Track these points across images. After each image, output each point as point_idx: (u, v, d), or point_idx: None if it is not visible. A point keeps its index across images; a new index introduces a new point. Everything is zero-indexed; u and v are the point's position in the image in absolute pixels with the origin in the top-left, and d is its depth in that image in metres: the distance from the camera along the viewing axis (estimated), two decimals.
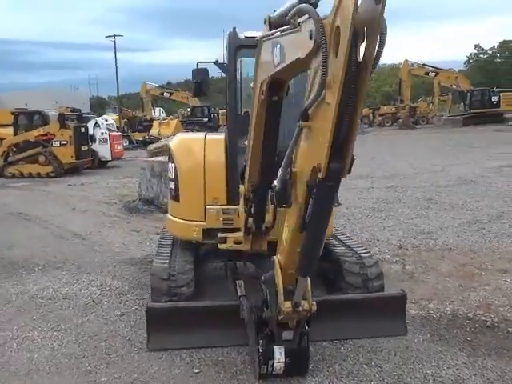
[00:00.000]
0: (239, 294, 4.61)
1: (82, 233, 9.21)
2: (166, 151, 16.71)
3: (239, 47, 5.29)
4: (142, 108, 39.70)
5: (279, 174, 3.03)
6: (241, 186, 5.08)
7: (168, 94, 39.58)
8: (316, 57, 2.43)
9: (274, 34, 3.53)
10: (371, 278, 5.22)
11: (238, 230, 5.38)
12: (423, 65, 37.12)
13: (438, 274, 6.35)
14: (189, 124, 35.67)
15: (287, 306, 3.42)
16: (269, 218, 4.94)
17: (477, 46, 68.99)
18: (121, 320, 5.20)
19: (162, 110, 50.94)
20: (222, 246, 5.35)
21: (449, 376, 3.98)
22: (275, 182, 3.13)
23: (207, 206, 5.44)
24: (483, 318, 5.02)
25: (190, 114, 39.86)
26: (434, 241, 8.15)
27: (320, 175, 2.47)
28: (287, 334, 3.71)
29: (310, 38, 2.39)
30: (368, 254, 5.51)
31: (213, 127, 35.34)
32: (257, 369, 3.88)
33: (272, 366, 3.82)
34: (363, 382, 3.93)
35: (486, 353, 4.35)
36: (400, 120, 40.32)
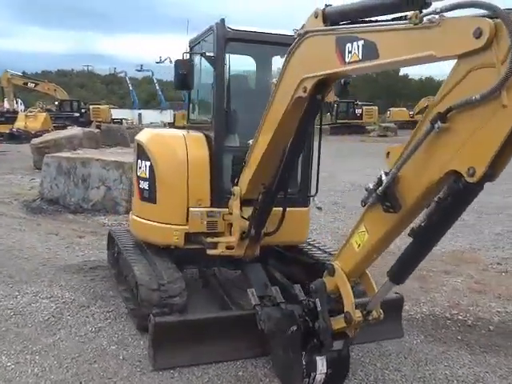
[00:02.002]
0: (254, 302, 4.33)
1: None
2: (54, 146, 15.44)
3: (228, 40, 5.01)
4: (2, 98, 36.01)
5: (382, 176, 2.87)
6: (236, 188, 4.81)
7: (33, 85, 36.34)
8: (476, 56, 2.33)
9: (334, 29, 3.35)
10: (357, 282, 5.25)
11: (221, 234, 5.09)
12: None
13: None
14: (58, 118, 33.18)
15: (358, 315, 3.29)
16: (274, 222, 4.76)
17: None
18: (100, 336, 4.60)
19: (20, 101, 46.83)
20: (211, 252, 5.01)
21: (466, 375, 4.16)
22: (370, 184, 2.97)
23: (190, 209, 5.04)
24: (460, 317, 5.33)
25: (58, 107, 37.04)
26: None
27: (471, 179, 2.38)
28: (338, 344, 3.56)
29: (477, 37, 2.29)
30: None
31: (85, 122, 33.34)
32: (297, 382, 3.67)
33: (314, 378, 3.65)
34: (407, 382, 3.95)
35: (483, 350, 4.62)
36: None
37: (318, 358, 3.60)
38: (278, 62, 5.86)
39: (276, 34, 5.20)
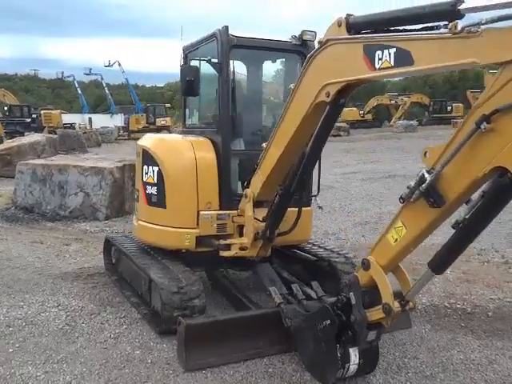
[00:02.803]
0: (278, 300, 4.47)
1: None
2: (17, 154, 14.96)
3: (232, 47, 5.13)
4: None
5: (424, 174, 3.06)
6: (248, 190, 4.93)
7: None
8: None
9: (360, 37, 3.54)
10: None
11: (230, 236, 5.20)
12: None
13: None
14: (9, 124, 32.06)
15: (396, 305, 3.48)
16: (289, 221, 4.90)
17: None
18: (121, 342, 4.60)
19: None
20: (225, 254, 5.10)
21: (480, 358, 4.44)
22: (411, 182, 3.17)
23: (200, 212, 5.13)
24: (458, 306, 5.65)
25: (7, 113, 35.76)
26: (345, 241, 8.80)
27: None
28: (371, 335, 3.76)
29: None
30: (351, 255, 5.78)
31: (37, 128, 32.38)
32: (332, 373, 3.84)
33: (348, 368, 3.83)
34: (418, 373, 4.16)
35: (488, 335, 4.93)
36: None
37: (351, 350, 3.79)
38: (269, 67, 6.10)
39: (277, 40, 5.38)
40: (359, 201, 12.72)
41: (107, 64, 47.95)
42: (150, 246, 5.68)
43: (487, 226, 3.08)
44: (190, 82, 5.09)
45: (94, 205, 9.85)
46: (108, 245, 6.55)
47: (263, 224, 4.89)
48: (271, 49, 5.46)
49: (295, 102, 4.22)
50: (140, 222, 5.59)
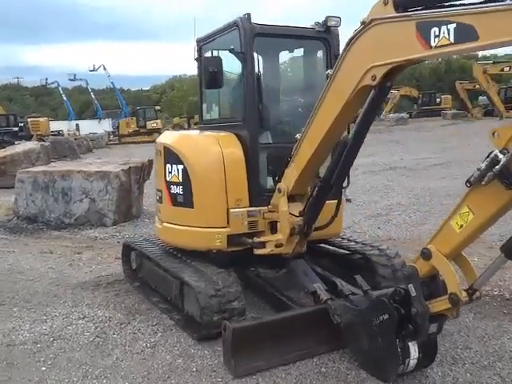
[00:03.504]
0: (324, 297, 4.26)
1: None
2: (11, 162, 14.60)
3: (256, 35, 4.91)
4: None
5: (498, 155, 2.87)
6: (282, 185, 4.72)
7: None
8: None
9: (412, 14, 3.34)
10: (398, 268, 5.29)
11: (261, 233, 4.99)
12: None
13: None
14: None
15: (464, 295, 3.30)
16: (324, 215, 4.70)
17: None
18: (159, 351, 4.38)
19: None
20: (260, 252, 4.90)
21: None
22: (482, 165, 2.98)
23: (230, 210, 4.90)
24: (496, 292, 5.51)
25: None
26: (363, 234, 8.62)
27: None
28: (433, 327, 3.57)
29: None
30: (384, 247, 5.59)
31: (26, 137, 31.85)
32: (394, 370, 3.65)
33: (408, 364, 3.65)
34: (475, 364, 4.01)
35: None
36: None
37: (410, 344, 3.60)
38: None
39: (300, 27, 5.17)
40: (366, 194, 12.56)
41: (92, 68, 47.37)
42: (176, 249, 5.46)
43: None
44: (213, 74, 4.84)
45: (100, 210, 9.56)
46: (127, 250, 6.31)
47: (299, 219, 4.69)
48: (294, 36, 5.25)
49: (334, 89, 4.01)
50: (165, 224, 5.35)
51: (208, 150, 5.03)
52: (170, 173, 5.19)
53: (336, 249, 5.71)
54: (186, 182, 5.01)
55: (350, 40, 3.79)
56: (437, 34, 3.13)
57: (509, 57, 42.98)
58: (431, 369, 3.86)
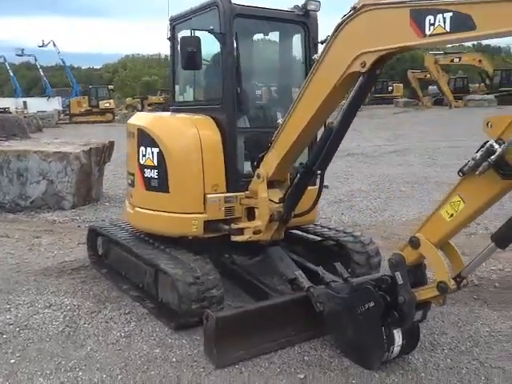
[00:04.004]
0: (306, 285, 4.22)
1: None
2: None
3: (236, 16, 4.76)
4: None
5: (494, 145, 2.87)
6: (261, 170, 4.63)
7: None
8: None
9: (406, 1, 3.28)
10: (372, 255, 5.32)
11: (238, 219, 4.89)
12: None
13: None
14: None
15: (452, 283, 3.33)
16: (308, 201, 4.65)
17: None
18: (135, 341, 4.22)
19: None
20: (237, 239, 4.79)
21: (505, 329, 4.45)
22: (477, 154, 2.97)
23: (207, 195, 4.77)
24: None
25: None
26: (329, 220, 8.66)
27: None
28: (418, 315, 3.60)
29: None
30: (358, 233, 5.60)
31: None
32: (378, 357, 3.67)
33: (392, 351, 3.67)
34: (454, 349, 4.09)
35: (503, 306, 4.93)
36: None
37: (394, 331, 3.62)
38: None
39: (280, 10, 5.05)
40: (327, 179, 12.59)
41: (41, 44, 45.42)
42: (147, 234, 5.30)
43: None
44: (191, 54, 4.65)
45: (58, 193, 9.17)
46: (93, 235, 6.07)
47: (278, 205, 4.62)
48: (274, 19, 5.12)
49: (321, 74, 3.93)
50: (137, 208, 5.16)
51: (185, 133, 4.86)
52: (144, 156, 4.99)
53: (309, 235, 5.68)
54: (162, 165, 4.83)
55: (339, 25, 3.71)
56: (432, 22, 3.09)
57: (460, 48, 44.28)
58: (412, 355, 3.90)
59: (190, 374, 3.73)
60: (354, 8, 3.59)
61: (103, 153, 9.59)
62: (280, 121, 4.44)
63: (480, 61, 38.83)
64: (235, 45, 4.84)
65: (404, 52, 3.54)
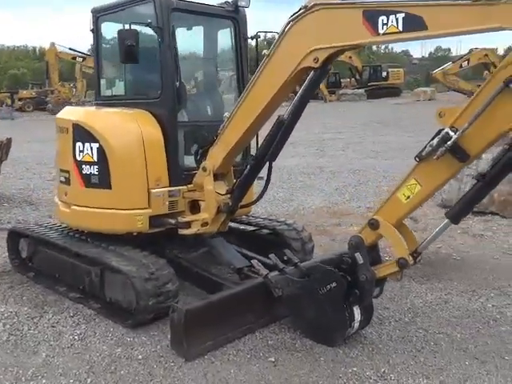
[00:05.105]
0: (263, 272, 4.34)
1: None
2: None
3: (172, 10, 4.76)
4: None
5: (449, 132, 3.22)
6: (207, 163, 4.68)
7: None
8: None
9: (357, 2, 3.55)
10: (306, 241, 5.62)
11: (181, 213, 4.91)
12: (70, 49, 36.26)
13: None
14: None
15: (411, 259, 3.67)
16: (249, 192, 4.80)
17: None
18: (92, 343, 4.07)
19: None
20: (185, 232, 4.80)
21: (436, 299, 4.96)
22: (434, 141, 3.31)
23: (151, 190, 4.73)
24: (387, 258, 6.12)
25: None
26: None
27: None
28: (376, 291, 3.93)
29: None
30: (291, 221, 5.86)
31: None
32: (341, 334, 3.95)
33: (353, 326, 3.97)
34: (399, 321, 4.48)
35: (427, 279, 5.45)
36: (50, 105, 38.47)
37: (354, 308, 3.92)
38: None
39: (212, 5, 5.15)
40: None
41: None
42: (82, 233, 5.10)
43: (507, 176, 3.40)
44: (130, 47, 4.55)
45: None
46: (15, 238, 5.66)
47: (224, 197, 4.70)
48: (206, 14, 5.18)
49: (271, 68, 4.09)
50: (74, 207, 4.93)
51: (126, 128, 4.76)
52: (81, 152, 4.79)
53: (244, 226, 5.83)
54: (102, 161, 4.69)
55: (289, 22, 3.89)
56: (385, 22, 3.40)
57: None
58: (365, 330, 4.22)
59: (161, 369, 3.70)
60: (305, 7, 3.80)
61: (0, 150, 8.87)
62: (226, 114, 4.52)
63: (350, 57, 41.47)
64: (174, 39, 4.82)
65: (356, 48, 3.82)
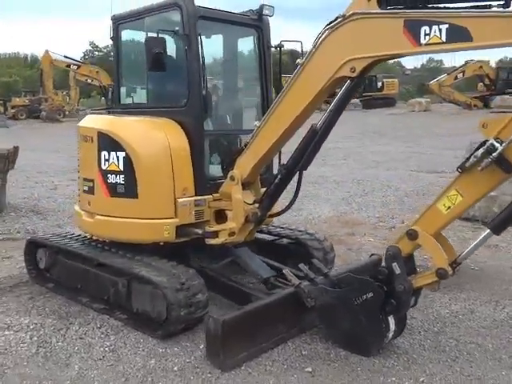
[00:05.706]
0: (295, 282, 4.31)
1: None
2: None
3: (199, 18, 4.76)
4: None
5: (494, 143, 3.23)
6: (236, 172, 4.66)
7: None
8: None
9: (400, 12, 3.56)
10: (328, 251, 5.61)
11: (207, 222, 4.88)
12: (65, 57, 36.16)
13: None
14: None
15: (450, 269, 3.66)
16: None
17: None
18: (124, 355, 4.02)
19: None
20: (212, 242, 4.76)
21: (461, 309, 4.95)
22: (479, 152, 3.32)
23: (178, 200, 4.70)
24: None
25: None
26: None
27: None
28: (412, 301, 3.91)
29: None
30: (313, 231, 5.85)
31: None
32: (378, 345, 3.93)
33: (388, 337, 3.95)
34: (428, 331, 4.45)
35: (448, 290, 5.35)
36: (44, 113, 38.26)
37: (389, 318, 3.91)
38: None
39: (237, 13, 5.15)
40: None
41: None
42: (104, 243, 5.06)
43: None
44: (158, 55, 4.54)
45: None
46: (33, 248, 5.59)
47: (252, 206, 4.68)
48: (232, 22, 5.17)
49: (305, 77, 4.08)
50: (98, 216, 4.88)
51: (153, 136, 4.74)
52: (106, 161, 4.76)
53: (265, 235, 5.80)
54: (129, 170, 4.66)
55: (325, 31, 3.89)
56: (427, 32, 3.40)
57: None
58: (397, 340, 4.20)
59: (199, 380, 3.66)
60: (342, 16, 3.80)
61: (7, 159, 8.77)
62: (257, 123, 4.51)
63: None
64: (201, 47, 4.81)
65: (395, 58, 3.82)
